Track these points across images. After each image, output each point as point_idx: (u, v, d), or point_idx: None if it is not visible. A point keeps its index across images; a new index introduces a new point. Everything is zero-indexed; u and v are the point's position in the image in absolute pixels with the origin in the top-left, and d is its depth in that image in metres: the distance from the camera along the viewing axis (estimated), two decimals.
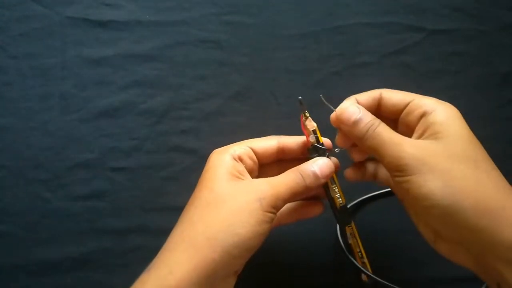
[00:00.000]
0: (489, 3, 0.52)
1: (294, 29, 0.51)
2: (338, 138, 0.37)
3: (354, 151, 0.38)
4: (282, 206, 0.34)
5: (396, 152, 0.32)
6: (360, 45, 0.51)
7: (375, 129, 0.33)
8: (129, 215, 0.47)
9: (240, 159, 0.36)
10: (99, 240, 0.46)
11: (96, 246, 0.46)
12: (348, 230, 0.40)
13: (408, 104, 0.35)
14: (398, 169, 0.32)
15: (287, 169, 0.36)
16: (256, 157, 0.37)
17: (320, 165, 0.36)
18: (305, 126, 0.37)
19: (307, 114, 0.37)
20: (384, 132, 0.33)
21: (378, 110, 0.36)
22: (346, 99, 0.36)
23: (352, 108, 0.34)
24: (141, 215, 0.47)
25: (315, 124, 0.37)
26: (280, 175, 0.35)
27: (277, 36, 0.51)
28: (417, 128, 0.34)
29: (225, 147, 0.37)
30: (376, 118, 0.34)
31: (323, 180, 0.36)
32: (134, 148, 0.48)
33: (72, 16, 0.50)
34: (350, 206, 0.46)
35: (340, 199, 0.38)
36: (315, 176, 0.35)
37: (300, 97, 0.37)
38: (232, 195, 0.33)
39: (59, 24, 0.50)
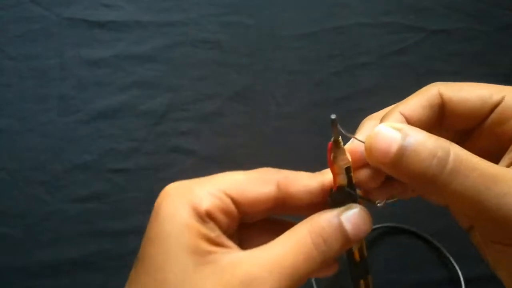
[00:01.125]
0: (489, 3, 0.52)
1: (293, 29, 0.51)
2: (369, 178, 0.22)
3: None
4: None
5: (501, 208, 0.19)
6: (360, 45, 0.51)
7: (450, 160, 0.19)
8: (129, 216, 0.46)
9: (210, 217, 0.21)
10: (99, 242, 0.46)
11: (96, 248, 0.46)
12: (362, 284, 0.28)
13: (495, 107, 0.22)
14: (504, 236, 0.20)
15: (287, 225, 0.22)
16: (238, 209, 0.22)
17: (352, 219, 0.21)
18: (334, 160, 0.22)
19: (341, 142, 0.22)
20: (472, 169, 0.19)
21: (440, 121, 0.23)
22: (386, 113, 0.22)
23: (389, 132, 0.20)
24: (141, 216, 0.46)
25: (350, 158, 0.22)
26: (280, 244, 0.21)
27: (276, 36, 0.51)
28: None
29: (184, 185, 0.23)
30: (446, 140, 0.20)
31: (354, 244, 0.22)
32: (133, 150, 0.48)
33: (71, 17, 0.50)
34: None
35: (363, 250, 0.26)
36: (344, 238, 0.21)
37: (333, 116, 0.21)
38: None
39: (57, 25, 0.50)
